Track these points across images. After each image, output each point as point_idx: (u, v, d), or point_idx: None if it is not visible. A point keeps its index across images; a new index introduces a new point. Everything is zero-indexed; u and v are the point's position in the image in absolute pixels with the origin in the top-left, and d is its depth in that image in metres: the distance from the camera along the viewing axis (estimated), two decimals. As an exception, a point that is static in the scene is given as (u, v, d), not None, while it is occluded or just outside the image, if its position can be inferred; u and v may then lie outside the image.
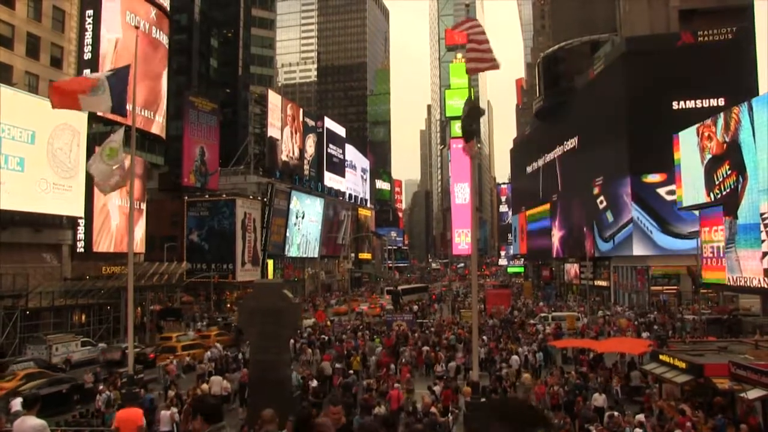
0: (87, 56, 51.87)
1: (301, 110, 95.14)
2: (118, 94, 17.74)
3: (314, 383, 23.48)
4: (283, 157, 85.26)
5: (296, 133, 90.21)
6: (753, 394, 17.01)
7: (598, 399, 20.33)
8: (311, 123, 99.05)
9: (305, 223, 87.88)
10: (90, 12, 52.09)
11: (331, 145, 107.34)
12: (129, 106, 19.57)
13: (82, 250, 49.27)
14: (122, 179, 19.58)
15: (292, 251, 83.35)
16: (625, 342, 30.47)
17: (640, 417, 17.19)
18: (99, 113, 42.19)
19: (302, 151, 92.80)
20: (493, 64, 15.97)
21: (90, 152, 46.33)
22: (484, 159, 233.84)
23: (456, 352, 30.54)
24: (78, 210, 45.76)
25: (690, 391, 19.85)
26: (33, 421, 7.51)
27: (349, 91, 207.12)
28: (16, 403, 17.19)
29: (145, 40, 55.43)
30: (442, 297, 77.38)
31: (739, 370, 18.10)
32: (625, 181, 57.84)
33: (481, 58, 16.01)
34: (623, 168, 57.78)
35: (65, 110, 20.35)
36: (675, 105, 55.09)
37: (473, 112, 17.51)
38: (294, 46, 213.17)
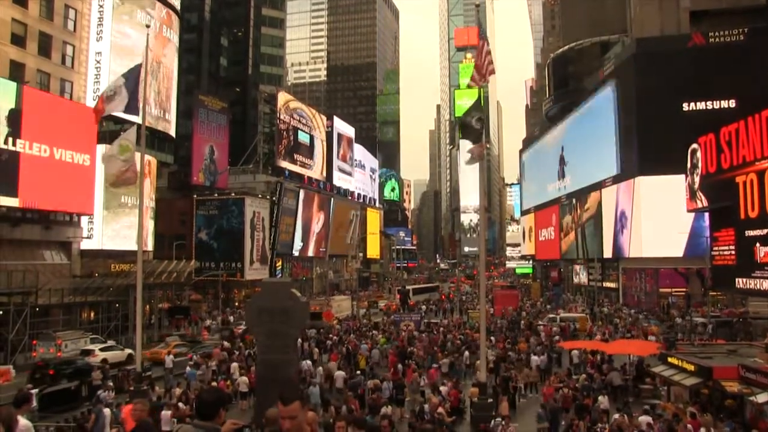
0: (97, 56, 52.18)
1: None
2: (130, 93, 17.97)
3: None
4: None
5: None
6: (762, 397, 16.90)
7: (603, 401, 20.27)
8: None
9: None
10: (101, 11, 52.46)
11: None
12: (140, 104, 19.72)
13: (91, 247, 49.50)
14: (134, 175, 19.79)
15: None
16: (633, 344, 30.29)
17: (646, 419, 17.12)
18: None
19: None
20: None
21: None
22: (493, 159, 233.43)
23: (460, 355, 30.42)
24: (88, 207, 45.97)
25: (708, 396, 19.68)
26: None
27: (358, 91, 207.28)
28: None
29: (155, 39, 55.68)
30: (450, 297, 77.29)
31: (749, 373, 17.98)
32: (634, 181, 57.47)
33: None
34: (632, 169, 57.42)
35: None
36: (685, 106, 54.67)
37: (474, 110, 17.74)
38: (304, 46, 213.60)
